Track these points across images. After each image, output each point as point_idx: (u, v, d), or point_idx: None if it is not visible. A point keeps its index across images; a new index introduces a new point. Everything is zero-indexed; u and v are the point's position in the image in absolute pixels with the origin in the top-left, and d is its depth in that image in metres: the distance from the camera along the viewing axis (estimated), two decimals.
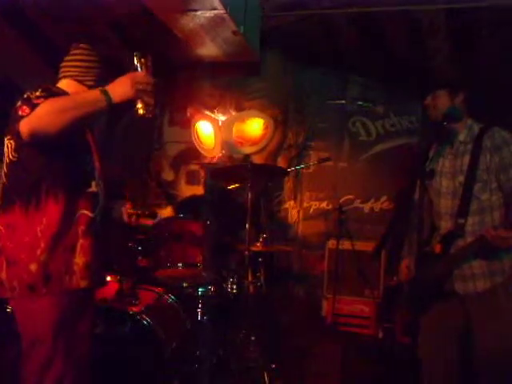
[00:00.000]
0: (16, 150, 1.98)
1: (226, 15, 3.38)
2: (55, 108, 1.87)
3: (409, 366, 3.21)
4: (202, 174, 4.96)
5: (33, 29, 3.66)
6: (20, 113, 1.89)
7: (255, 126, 4.74)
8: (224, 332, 3.22)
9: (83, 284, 2.01)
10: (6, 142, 2.02)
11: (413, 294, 2.48)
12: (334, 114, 4.85)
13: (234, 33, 3.65)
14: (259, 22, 3.93)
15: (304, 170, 4.81)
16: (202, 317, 3.16)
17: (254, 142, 4.74)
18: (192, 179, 5.07)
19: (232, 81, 4.78)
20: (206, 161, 4.91)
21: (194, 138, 4.86)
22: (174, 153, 5.13)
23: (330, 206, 4.77)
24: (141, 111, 1.99)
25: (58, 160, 1.99)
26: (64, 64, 2.24)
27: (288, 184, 4.89)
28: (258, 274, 3.48)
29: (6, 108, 2.08)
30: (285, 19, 3.94)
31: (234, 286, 3.32)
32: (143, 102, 1.98)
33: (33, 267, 1.92)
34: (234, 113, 4.83)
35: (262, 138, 4.72)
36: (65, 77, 2.20)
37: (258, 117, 4.72)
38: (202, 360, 2.97)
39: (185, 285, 3.21)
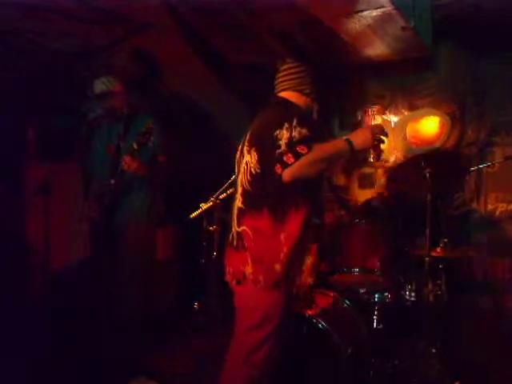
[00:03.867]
0: (262, 164, 2.28)
1: (393, 11, 3.26)
2: (314, 161, 2.18)
3: None
4: (377, 176, 4.86)
5: (202, 44, 3.95)
6: (285, 159, 2.17)
7: (430, 125, 4.53)
8: (401, 341, 3.10)
9: (310, 280, 2.57)
10: (246, 151, 2.37)
11: None
12: None
13: (403, 29, 3.51)
14: (430, 12, 3.72)
15: (487, 169, 4.40)
16: (377, 324, 3.09)
17: (429, 142, 4.53)
18: (365, 182, 4.98)
19: (402, 79, 4.61)
20: (380, 164, 4.80)
21: None
22: None
23: None
24: (372, 160, 2.26)
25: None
26: (279, 80, 2.55)
27: (469, 184, 4.55)
28: (439, 282, 3.29)
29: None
30: (459, 4, 3.65)
31: (413, 294, 3.21)
32: (376, 150, 2.22)
33: (277, 267, 2.25)
34: (406, 112, 4.67)
35: (438, 137, 4.49)
36: (284, 89, 2.51)
37: (433, 114, 4.50)
38: (377, 368, 2.89)
39: (361, 290, 3.17)
